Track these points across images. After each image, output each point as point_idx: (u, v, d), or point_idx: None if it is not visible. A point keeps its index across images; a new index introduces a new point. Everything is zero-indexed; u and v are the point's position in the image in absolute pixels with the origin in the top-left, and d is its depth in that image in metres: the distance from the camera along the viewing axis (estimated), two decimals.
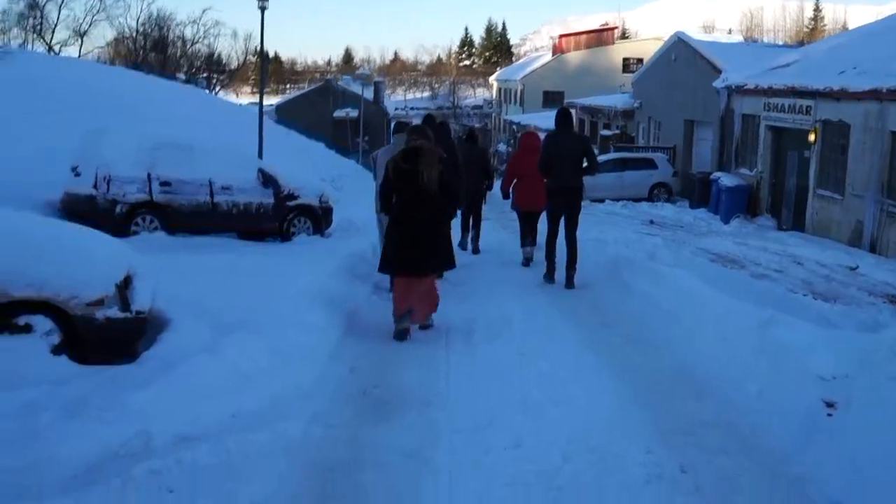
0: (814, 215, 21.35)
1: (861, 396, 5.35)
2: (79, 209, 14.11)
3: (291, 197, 15.87)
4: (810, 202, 21.58)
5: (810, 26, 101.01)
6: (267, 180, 15.63)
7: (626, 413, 6.09)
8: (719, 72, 27.58)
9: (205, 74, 52.99)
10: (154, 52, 49.50)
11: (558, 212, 11.26)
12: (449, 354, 7.71)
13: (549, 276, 11.39)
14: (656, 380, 6.91)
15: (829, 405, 5.55)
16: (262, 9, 19.03)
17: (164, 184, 14.58)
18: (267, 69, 20.61)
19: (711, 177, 25.94)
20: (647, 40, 66.63)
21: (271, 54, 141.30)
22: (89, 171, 14.26)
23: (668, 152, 31.61)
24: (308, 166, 26.18)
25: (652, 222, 22.93)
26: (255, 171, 15.66)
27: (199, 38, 50.59)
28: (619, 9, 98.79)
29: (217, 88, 54.97)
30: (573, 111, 46.83)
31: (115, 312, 6.56)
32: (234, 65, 54.30)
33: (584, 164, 11.32)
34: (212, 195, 14.98)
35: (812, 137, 21.30)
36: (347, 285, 9.94)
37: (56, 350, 6.38)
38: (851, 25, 55.78)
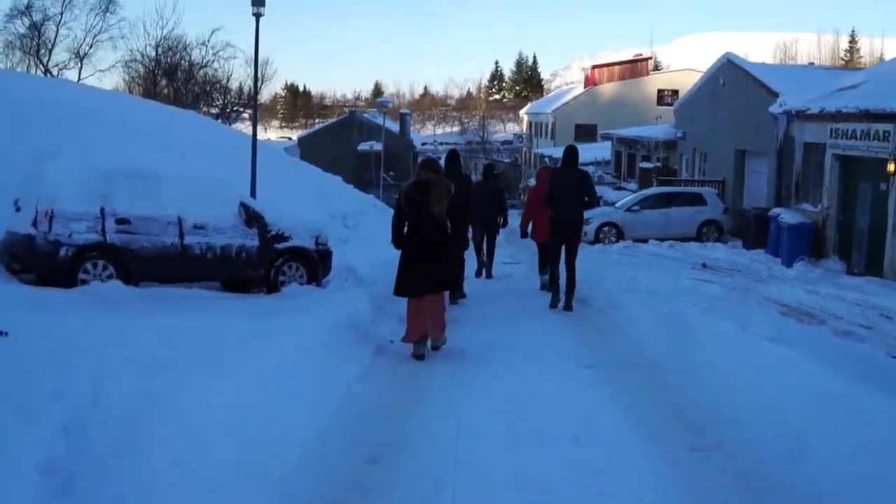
0: (894, 258, 18.40)
1: None
2: (17, 253, 11.73)
3: (281, 238, 13.26)
4: (889, 243, 18.61)
5: (846, 58, 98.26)
6: (251, 218, 13.04)
7: None
8: (774, 96, 24.76)
9: (220, 107, 50.50)
10: (166, 80, 46.89)
11: (559, 242, 12.18)
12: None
13: (554, 303, 12.13)
14: None
15: None
16: (257, 16, 16.66)
17: (122, 221, 11.93)
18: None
19: (770, 213, 22.95)
20: (681, 71, 64.54)
21: (300, 88, 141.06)
22: (30, 205, 11.72)
23: (717, 186, 28.79)
24: (318, 202, 23.63)
25: (705, 266, 20.21)
26: (237, 207, 13.03)
27: (209, 61, 47.87)
28: (651, 45, 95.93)
29: (236, 120, 52.56)
30: (611, 141, 44.81)
31: None
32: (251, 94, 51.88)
33: (585, 199, 12.11)
34: (181, 236, 12.33)
35: (891, 167, 18.41)
36: (316, 379, 6.95)
37: None
38: (888, 58, 52.95)
